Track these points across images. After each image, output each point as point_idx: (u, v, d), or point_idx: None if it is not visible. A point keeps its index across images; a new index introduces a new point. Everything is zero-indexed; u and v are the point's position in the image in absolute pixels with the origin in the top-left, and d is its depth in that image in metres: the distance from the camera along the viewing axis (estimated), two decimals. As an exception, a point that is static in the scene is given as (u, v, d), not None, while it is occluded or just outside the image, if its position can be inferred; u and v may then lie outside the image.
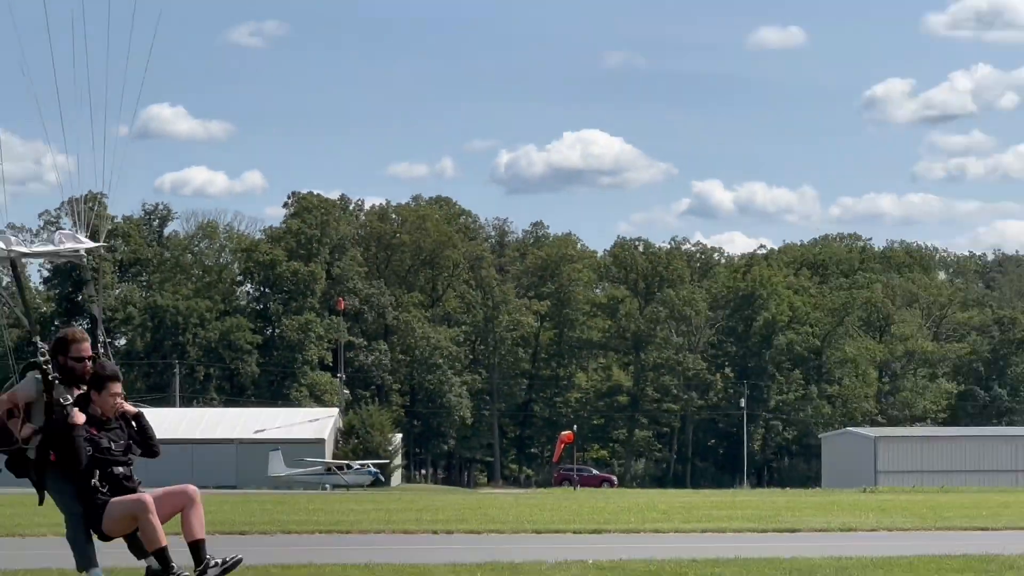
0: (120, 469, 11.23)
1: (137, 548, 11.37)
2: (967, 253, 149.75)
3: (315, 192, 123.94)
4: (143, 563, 11.30)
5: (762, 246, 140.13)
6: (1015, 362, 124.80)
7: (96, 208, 12.98)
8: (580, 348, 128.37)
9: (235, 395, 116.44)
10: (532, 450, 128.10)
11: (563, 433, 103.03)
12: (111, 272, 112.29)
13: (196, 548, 11.23)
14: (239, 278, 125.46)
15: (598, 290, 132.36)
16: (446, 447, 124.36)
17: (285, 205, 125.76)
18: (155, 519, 10.91)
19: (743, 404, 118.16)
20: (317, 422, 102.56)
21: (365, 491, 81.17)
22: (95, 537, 11.16)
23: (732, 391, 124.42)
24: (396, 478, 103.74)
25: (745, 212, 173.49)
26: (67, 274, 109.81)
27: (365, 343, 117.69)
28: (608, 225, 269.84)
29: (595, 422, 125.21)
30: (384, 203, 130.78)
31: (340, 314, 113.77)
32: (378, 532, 36.73)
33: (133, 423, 11.57)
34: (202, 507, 11.37)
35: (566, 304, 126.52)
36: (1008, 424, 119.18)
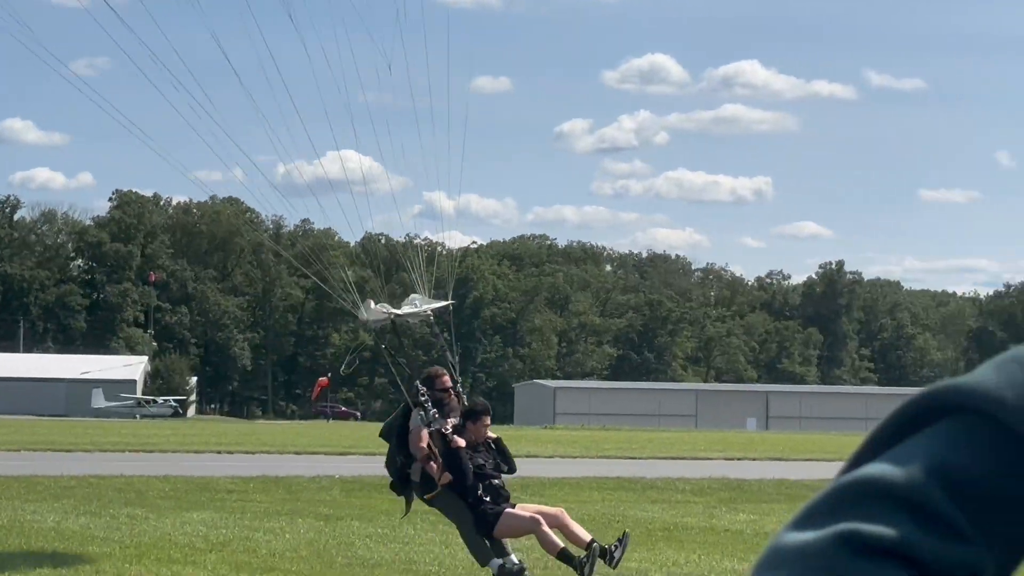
0: (495, 481, 11.49)
1: (497, 548, 11.60)
2: (627, 251, 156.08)
3: (134, 190, 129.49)
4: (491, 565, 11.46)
5: (474, 242, 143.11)
6: (660, 334, 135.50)
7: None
8: (335, 315, 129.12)
9: (67, 344, 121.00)
10: (297, 391, 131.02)
11: (320, 379, 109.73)
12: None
13: (589, 546, 11.49)
14: (72, 255, 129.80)
15: (350, 272, 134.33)
16: (231, 388, 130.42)
17: (110, 199, 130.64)
18: (548, 530, 11.32)
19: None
20: (131, 366, 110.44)
21: (167, 420, 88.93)
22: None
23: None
24: (191, 411, 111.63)
25: (462, 216, 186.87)
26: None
27: (170, 307, 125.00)
28: (359, 222, 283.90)
29: (345, 371, 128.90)
30: (188, 200, 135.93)
31: (151, 285, 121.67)
32: (175, 451, 38.08)
33: (494, 445, 11.84)
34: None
35: (325, 281, 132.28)
36: (654, 380, 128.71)
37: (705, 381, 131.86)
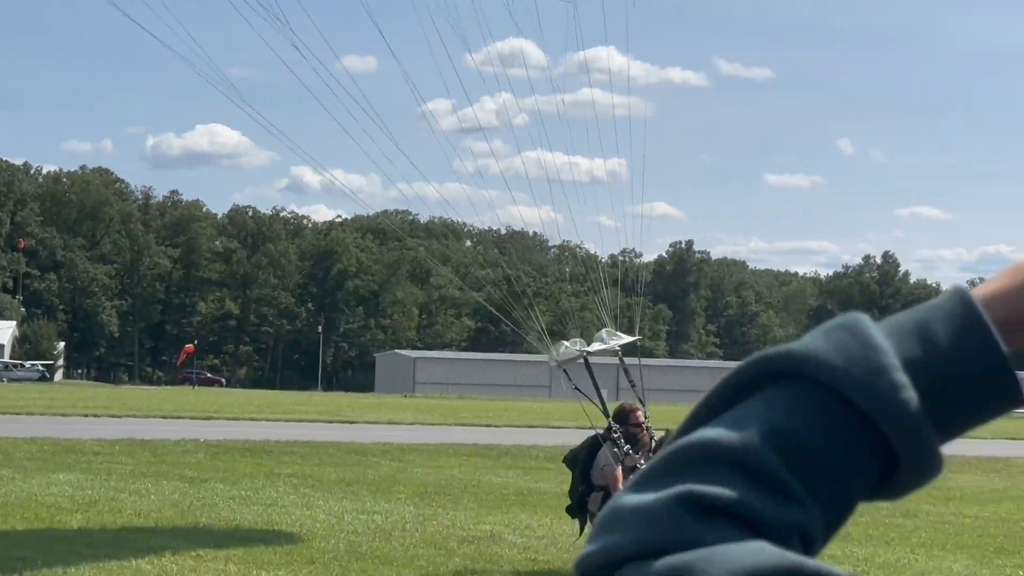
0: None
1: None
2: (487, 228, 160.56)
3: (4, 158, 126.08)
4: None
5: (339, 216, 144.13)
6: (517, 308, 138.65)
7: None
8: (202, 284, 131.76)
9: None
10: (163, 358, 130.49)
11: (186, 346, 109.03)
12: None
13: None
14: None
15: (217, 243, 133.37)
16: (98, 353, 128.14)
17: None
18: None
19: (320, 330, 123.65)
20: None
21: (34, 384, 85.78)
22: None
23: (312, 320, 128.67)
24: (58, 376, 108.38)
25: (328, 190, 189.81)
26: None
27: (39, 274, 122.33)
28: (227, 195, 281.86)
29: (211, 339, 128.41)
30: (58, 169, 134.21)
31: (20, 251, 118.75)
32: (43, 414, 37.43)
33: None
34: None
35: (193, 252, 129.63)
36: (511, 352, 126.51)
37: None
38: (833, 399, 0.87)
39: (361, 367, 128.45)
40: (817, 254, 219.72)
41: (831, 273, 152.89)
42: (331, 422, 38.28)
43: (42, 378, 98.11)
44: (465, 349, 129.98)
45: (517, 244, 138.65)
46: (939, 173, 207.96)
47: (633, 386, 12.75)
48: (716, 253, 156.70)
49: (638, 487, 0.89)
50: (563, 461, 12.60)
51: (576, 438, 13.71)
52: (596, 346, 13.06)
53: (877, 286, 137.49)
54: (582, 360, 12.73)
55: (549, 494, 19.38)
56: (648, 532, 0.85)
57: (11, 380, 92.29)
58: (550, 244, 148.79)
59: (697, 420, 0.92)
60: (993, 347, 0.88)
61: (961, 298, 0.89)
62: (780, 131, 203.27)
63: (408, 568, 12.11)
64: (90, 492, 17.62)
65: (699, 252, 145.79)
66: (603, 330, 13.41)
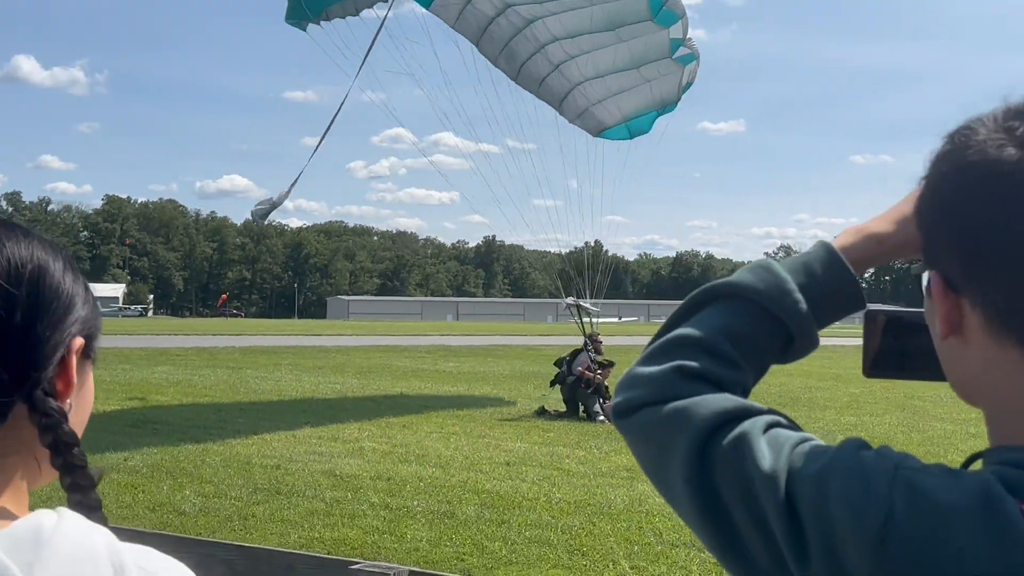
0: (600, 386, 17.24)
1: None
2: (385, 229, 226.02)
3: (116, 193, 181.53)
4: None
5: (304, 223, 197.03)
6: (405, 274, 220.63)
7: None
8: (229, 263, 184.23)
9: None
10: (208, 303, 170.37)
11: (222, 295, 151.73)
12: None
13: None
14: None
15: (237, 240, 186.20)
16: (171, 301, 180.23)
17: None
18: None
19: (296, 286, 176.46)
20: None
21: (137, 319, 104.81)
22: None
23: (291, 281, 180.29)
24: (150, 314, 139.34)
25: (298, 209, 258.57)
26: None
27: (138, 258, 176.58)
28: (242, 213, 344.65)
29: (235, 291, 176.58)
30: (147, 200, 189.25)
31: (127, 246, 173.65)
32: (143, 334, 53.76)
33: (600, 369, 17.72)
34: None
35: (224, 245, 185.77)
36: (406, 296, 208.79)
37: (426, 296, 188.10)
38: (758, 308, 1.26)
39: (319, 306, 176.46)
40: (559, 240, 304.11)
41: (567, 250, 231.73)
42: (306, 335, 49.44)
43: (141, 315, 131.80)
44: (376, 295, 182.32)
45: (401, 239, 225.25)
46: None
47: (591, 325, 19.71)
48: (508, 240, 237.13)
49: (644, 363, 1.27)
50: (554, 363, 19.03)
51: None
52: (585, 305, 19.64)
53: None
54: (575, 307, 19.32)
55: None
56: (656, 388, 1.23)
57: (124, 316, 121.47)
58: (420, 237, 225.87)
59: (673, 323, 1.30)
60: (847, 272, 1.29)
61: (827, 247, 1.30)
62: (542, 175, 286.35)
63: (355, 413, 17.22)
64: (176, 376, 23.63)
65: (499, 241, 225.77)
66: (587, 302, 19.50)
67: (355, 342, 49.68)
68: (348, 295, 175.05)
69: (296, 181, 18.16)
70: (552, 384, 18.94)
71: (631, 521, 9.89)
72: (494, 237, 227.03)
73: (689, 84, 20.66)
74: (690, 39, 19.46)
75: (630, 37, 18.30)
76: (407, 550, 8.74)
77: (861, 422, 18.96)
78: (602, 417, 17.67)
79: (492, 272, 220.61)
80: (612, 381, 18.84)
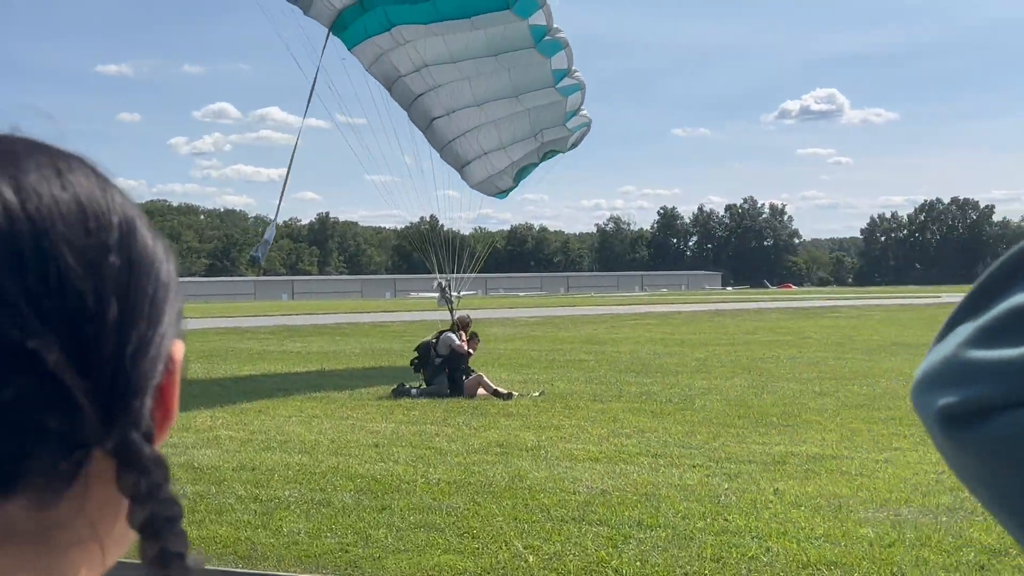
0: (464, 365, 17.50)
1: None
2: (212, 207, 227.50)
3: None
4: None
5: None
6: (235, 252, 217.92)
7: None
8: None
9: None
10: None
11: None
12: None
13: (496, 393, 16.85)
14: None
15: None
16: None
17: None
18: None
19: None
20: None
21: None
22: None
23: None
24: None
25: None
26: None
27: None
28: None
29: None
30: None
31: None
32: None
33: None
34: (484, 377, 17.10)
35: None
36: (234, 276, 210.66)
37: (258, 276, 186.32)
38: None
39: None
40: (395, 216, 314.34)
41: (404, 226, 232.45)
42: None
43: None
44: (204, 276, 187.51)
45: (230, 217, 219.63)
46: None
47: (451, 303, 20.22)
48: (342, 217, 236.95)
49: (981, 343, 0.84)
50: (416, 348, 18.51)
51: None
52: (453, 295, 20.42)
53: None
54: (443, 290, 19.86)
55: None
56: (1016, 382, 0.80)
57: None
58: (248, 215, 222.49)
59: (1003, 285, 0.87)
60: None
61: None
62: (375, 151, 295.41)
63: (204, 400, 14.96)
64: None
65: (333, 217, 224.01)
66: (448, 292, 20.14)
67: (190, 325, 49.17)
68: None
69: (279, 207, 18.97)
70: (417, 369, 18.47)
71: (516, 499, 9.66)
72: (327, 214, 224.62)
73: (579, 135, 21.79)
74: (575, 71, 19.80)
75: (510, 65, 18.68)
76: (285, 544, 8.26)
77: (714, 385, 19.36)
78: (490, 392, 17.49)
79: (327, 249, 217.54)
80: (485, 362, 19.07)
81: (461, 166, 21.69)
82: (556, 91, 19.74)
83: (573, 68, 19.51)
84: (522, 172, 22.40)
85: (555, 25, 18.23)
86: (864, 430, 13.48)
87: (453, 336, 18.35)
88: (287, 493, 10.10)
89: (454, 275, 21.16)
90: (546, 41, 18.22)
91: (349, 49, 19.39)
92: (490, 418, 15.08)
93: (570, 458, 11.66)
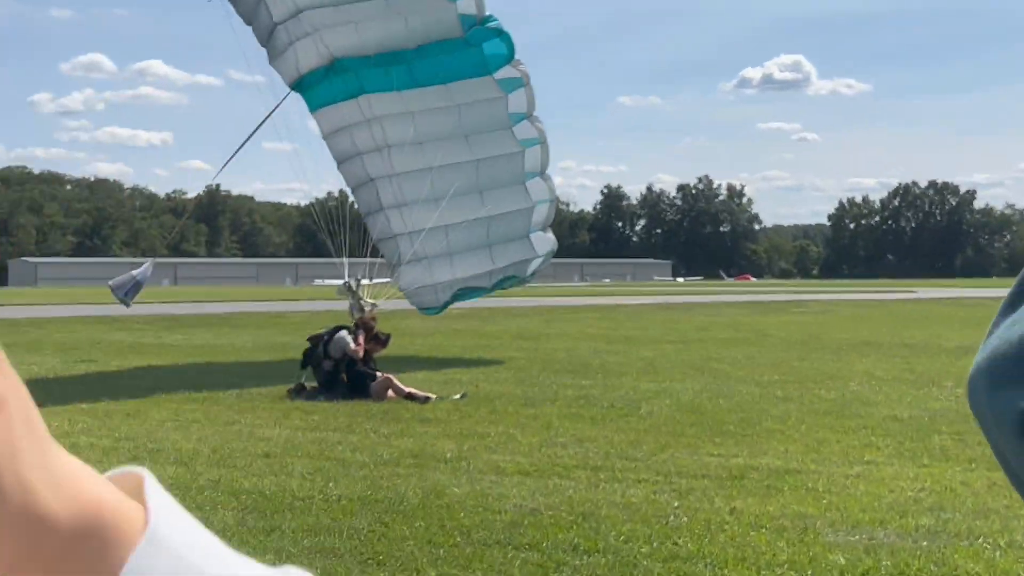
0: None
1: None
2: (82, 176, 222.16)
3: None
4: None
5: None
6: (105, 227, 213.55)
7: None
8: None
9: None
10: None
11: None
12: None
13: (411, 396, 16.90)
14: None
15: None
16: None
17: None
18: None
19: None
20: None
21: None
22: None
23: None
24: None
25: None
26: None
27: None
28: None
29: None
30: None
31: None
32: None
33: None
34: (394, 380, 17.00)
35: None
36: (108, 256, 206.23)
37: (135, 257, 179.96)
38: None
39: None
40: (297, 191, 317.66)
41: (308, 202, 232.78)
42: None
43: None
44: (71, 256, 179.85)
45: (102, 188, 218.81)
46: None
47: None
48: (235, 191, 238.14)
49: None
50: (308, 339, 18.76)
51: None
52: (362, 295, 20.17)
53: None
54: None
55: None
56: None
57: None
58: (125, 186, 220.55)
59: None
60: None
61: None
62: (274, 115, 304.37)
63: (62, 400, 16.11)
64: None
65: (224, 191, 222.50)
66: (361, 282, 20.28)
67: (51, 312, 48.32)
68: (36, 257, 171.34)
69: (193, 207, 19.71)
70: (303, 365, 18.40)
71: (430, 519, 9.46)
72: (218, 187, 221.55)
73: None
74: (519, 62, 20.81)
75: (438, 53, 19.89)
76: (154, 572, 7.96)
77: (663, 388, 19.36)
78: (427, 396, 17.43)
79: (217, 228, 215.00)
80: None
81: (393, 258, 22.76)
82: (495, 85, 20.58)
83: (517, 60, 20.68)
84: (462, 294, 23.66)
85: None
86: (832, 440, 13.53)
87: (349, 339, 18.19)
88: (157, 511, 9.73)
89: (367, 259, 21.16)
90: (477, 30, 19.57)
91: (311, 111, 21.39)
92: (403, 424, 14.90)
93: (496, 471, 11.51)
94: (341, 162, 22.23)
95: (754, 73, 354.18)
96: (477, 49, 19.70)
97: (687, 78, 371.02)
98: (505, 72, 20.22)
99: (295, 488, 10.71)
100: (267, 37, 20.29)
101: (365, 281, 20.35)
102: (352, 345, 18.04)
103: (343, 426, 14.83)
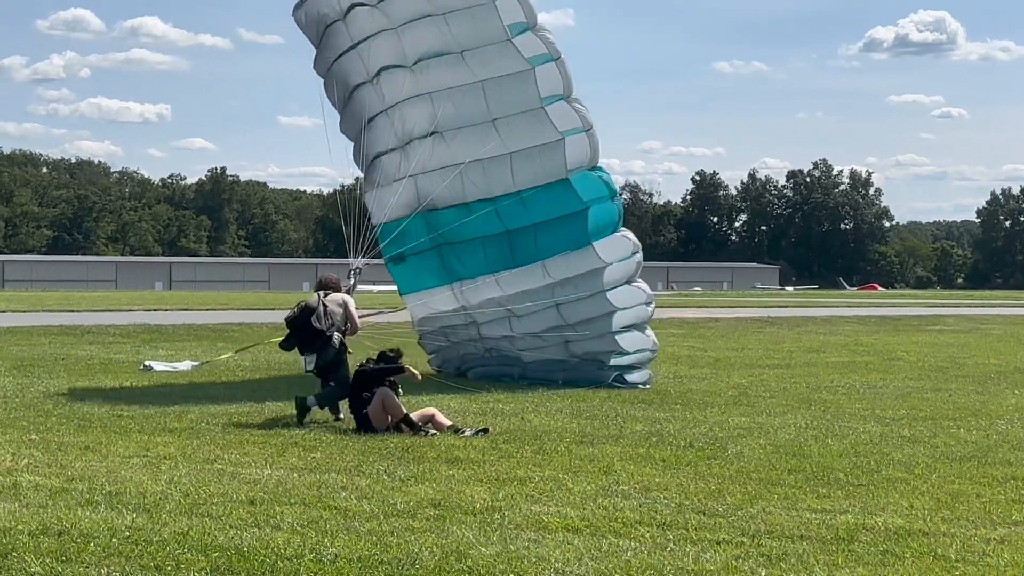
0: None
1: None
2: (60, 158, 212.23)
3: None
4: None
5: None
6: (87, 220, 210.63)
7: None
8: None
9: None
10: None
11: None
12: None
13: (407, 422, 17.49)
14: None
15: None
16: None
17: None
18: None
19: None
20: None
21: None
22: None
23: None
24: None
25: None
26: None
27: None
28: None
29: None
30: None
31: None
32: None
33: None
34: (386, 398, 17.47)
35: None
36: (83, 254, 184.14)
37: (122, 255, 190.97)
38: None
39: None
40: (319, 177, 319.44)
41: (331, 191, 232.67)
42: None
43: None
44: (45, 253, 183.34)
45: (85, 171, 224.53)
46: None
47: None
48: (244, 176, 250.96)
49: None
50: (285, 320, 19.31)
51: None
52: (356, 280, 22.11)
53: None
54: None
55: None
56: None
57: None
58: (112, 171, 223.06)
59: None
60: None
61: None
62: (290, 83, 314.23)
63: (9, 430, 16.89)
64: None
65: (231, 176, 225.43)
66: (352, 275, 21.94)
67: (12, 321, 48.24)
68: (3, 254, 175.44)
69: None
70: (302, 351, 19.00)
71: (447, 587, 9.24)
72: (223, 170, 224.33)
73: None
74: (544, 31, 22.99)
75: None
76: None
77: (757, 424, 19.14)
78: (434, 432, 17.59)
79: (222, 220, 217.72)
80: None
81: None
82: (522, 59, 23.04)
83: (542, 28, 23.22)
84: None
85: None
86: (971, 494, 13.28)
87: (349, 299, 19.18)
88: (104, 572, 9.59)
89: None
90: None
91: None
92: (426, 465, 14.68)
93: (536, 526, 11.28)
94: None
95: (885, 33, 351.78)
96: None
97: (800, 39, 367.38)
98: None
99: (281, 544, 10.50)
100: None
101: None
102: (353, 305, 18.92)
103: (350, 466, 14.64)
